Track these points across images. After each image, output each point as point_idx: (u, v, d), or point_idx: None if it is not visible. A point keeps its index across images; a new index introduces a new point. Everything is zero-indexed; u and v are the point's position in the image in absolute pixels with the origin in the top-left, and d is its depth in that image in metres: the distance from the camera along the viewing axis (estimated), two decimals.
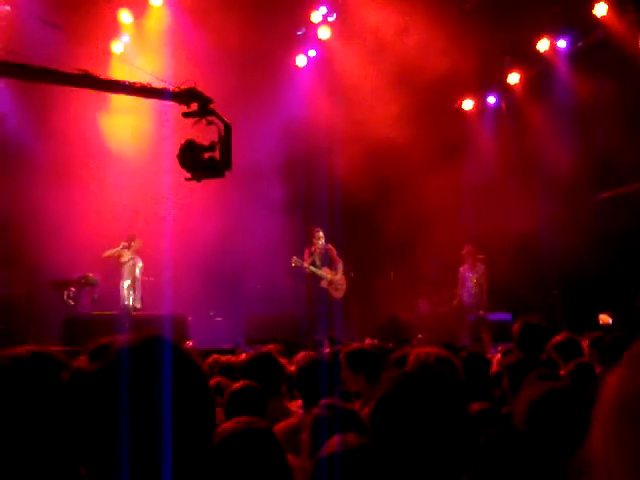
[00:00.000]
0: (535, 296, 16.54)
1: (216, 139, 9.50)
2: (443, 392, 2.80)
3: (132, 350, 1.73)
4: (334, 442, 2.81)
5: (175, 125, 15.99)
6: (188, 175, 9.40)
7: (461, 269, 16.61)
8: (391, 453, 2.68)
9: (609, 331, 14.02)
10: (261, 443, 3.06)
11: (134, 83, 9.22)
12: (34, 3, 15.23)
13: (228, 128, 9.41)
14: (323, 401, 4.04)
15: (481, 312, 16.07)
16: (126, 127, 16.32)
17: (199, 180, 9.40)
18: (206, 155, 9.25)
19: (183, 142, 9.19)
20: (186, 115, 9.30)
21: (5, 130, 15.86)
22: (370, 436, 2.80)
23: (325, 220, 16.05)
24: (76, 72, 8.57)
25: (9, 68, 7.83)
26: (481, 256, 16.85)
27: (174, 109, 15.66)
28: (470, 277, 16.47)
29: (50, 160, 15.52)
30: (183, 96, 9.34)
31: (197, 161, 9.19)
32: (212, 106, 9.73)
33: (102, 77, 9.04)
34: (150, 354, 1.73)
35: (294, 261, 15.83)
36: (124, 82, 9.30)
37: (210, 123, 9.32)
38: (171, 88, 9.33)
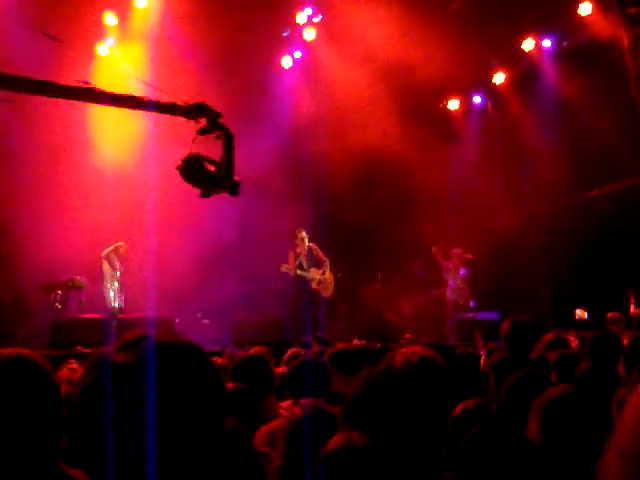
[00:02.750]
0: (522, 294, 16.62)
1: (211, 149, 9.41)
2: (410, 395, 2.82)
3: (164, 347, 1.74)
4: (337, 439, 2.80)
5: (162, 123, 16.11)
6: (181, 183, 9.31)
7: (447, 265, 16.84)
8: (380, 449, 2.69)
9: (584, 326, 14.21)
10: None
11: (142, 98, 9.15)
12: (17, 5, 15.20)
13: (231, 139, 9.32)
14: (303, 401, 4.05)
15: (467, 313, 16.27)
16: (115, 126, 16.27)
17: (208, 195, 9.32)
18: (209, 167, 9.17)
19: (186, 155, 9.07)
20: (202, 132, 9.21)
21: None
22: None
23: (312, 221, 16.05)
24: (79, 85, 8.44)
25: (6, 80, 7.70)
26: (469, 255, 16.94)
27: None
28: (456, 276, 16.70)
29: (37, 161, 15.47)
30: (192, 111, 9.25)
31: (200, 174, 9.11)
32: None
33: (107, 91, 8.92)
34: (180, 356, 1.75)
35: (283, 268, 15.83)
36: (131, 96, 9.22)
37: (219, 137, 9.24)
38: (179, 102, 9.22)
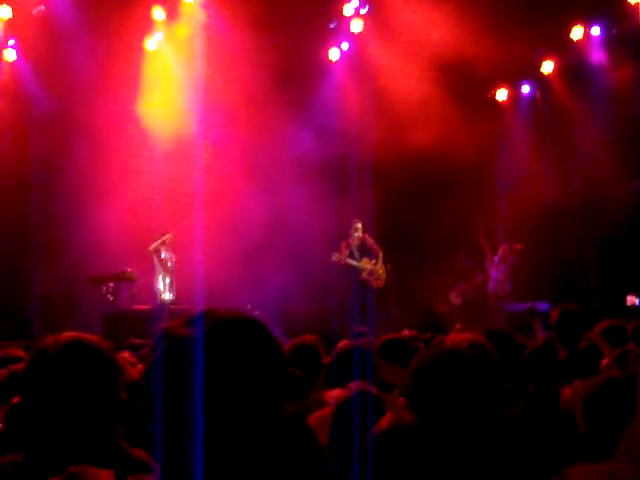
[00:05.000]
0: (572, 283, 16.54)
1: None
2: (466, 375, 2.85)
3: (228, 322, 1.77)
4: (389, 418, 2.84)
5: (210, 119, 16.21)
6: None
7: (491, 256, 16.90)
8: (427, 426, 2.72)
9: (636, 313, 14.06)
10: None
11: None
12: (67, 2, 15.37)
13: None
14: (351, 384, 4.08)
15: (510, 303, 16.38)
16: (161, 119, 16.39)
17: None
18: None
19: None
20: None
21: (40, 125, 15.96)
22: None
23: (364, 213, 16.04)
24: None
25: None
26: (518, 246, 16.92)
27: (208, 107, 15.83)
28: (496, 268, 16.75)
29: (87, 157, 15.63)
30: None
31: None
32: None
33: None
34: (242, 329, 1.77)
35: (334, 256, 15.84)
36: None
37: None
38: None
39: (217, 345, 1.69)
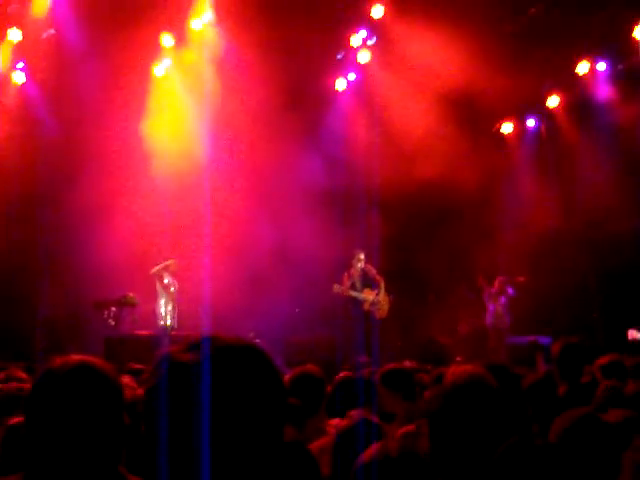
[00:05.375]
0: (574, 317, 16.52)
1: None
2: (491, 403, 2.87)
3: (228, 348, 1.77)
4: (374, 449, 2.84)
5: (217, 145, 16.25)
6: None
7: (490, 291, 16.94)
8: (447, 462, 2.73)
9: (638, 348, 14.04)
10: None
11: None
12: (77, 27, 15.46)
13: None
14: (352, 412, 4.09)
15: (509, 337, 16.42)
16: (168, 144, 16.47)
17: None
18: None
19: None
20: None
21: (46, 148, 15.99)
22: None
23: (368, 244, 16.03)
24: None
25: None
26: (521, 278, 16.97)
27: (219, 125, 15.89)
28: (494, 302, 16.82)
29: (93, 180, 15.67)
30: None
31: None
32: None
33: None
34: (243, 356, 1.77)
35: (335, 288, 15.82)
36: None
37: None
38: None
39: (217, 371, 1.69)
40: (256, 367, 1.77)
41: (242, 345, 1.79)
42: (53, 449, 2.53)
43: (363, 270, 16.07)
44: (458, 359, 15.10)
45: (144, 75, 16.78)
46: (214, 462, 1.65)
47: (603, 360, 7.33)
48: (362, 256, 16.02)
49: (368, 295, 16.04)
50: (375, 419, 4.17)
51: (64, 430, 2.52)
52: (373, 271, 16.14)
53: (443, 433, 2.96)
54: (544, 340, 15.36)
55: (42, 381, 2.63)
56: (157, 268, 15.59)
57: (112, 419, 2.60)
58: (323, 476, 3.45)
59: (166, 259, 15.60)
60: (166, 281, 15.67)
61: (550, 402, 5.53)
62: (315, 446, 4.72)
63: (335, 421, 5.76)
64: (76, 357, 2.67)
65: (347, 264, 16.15)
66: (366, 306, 16.02)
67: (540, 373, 6.85)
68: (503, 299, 17.13)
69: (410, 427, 4.51)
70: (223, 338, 1.79)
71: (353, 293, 15.92)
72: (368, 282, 16.11)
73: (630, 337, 15.83)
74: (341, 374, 7.72)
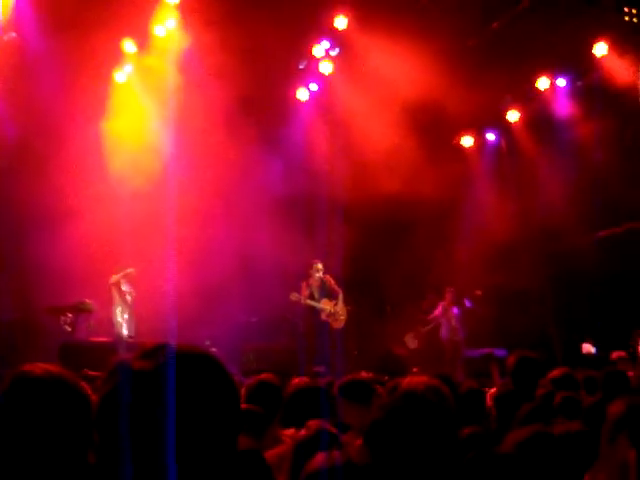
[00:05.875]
0: (530, 331, 16.63)
1: None
2: (429, 417, 2.88)
3: (183, 356, 1.76)
4: (320, 458, 2.85)
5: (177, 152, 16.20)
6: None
7: (442, 304, 17.07)
8: (386, 473, 2.74)
9: (591, 362, 14.19)
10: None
11: None
12: (38, 30, 15.33)
13: None
14: (310, 422, 4.10)
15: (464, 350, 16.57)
16: (127, 150, 16.39)
17: None
18: None
19: None
20: None
21: (2, 150, 15.81)
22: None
23: (327, 253, 16.05)
24: None
25: None
26: (478, 292, 17.10)
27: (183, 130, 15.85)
28: (449, 314, 16.94)
29: (50, 185, 15.52)
30: None
31: None
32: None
33: None
34: (197, 364, 1.77)
35: (293, 296, 15.84)
36: None
37: None
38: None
39: (172, 379, 1.69)
40: (211, 375, 1.77)
41: (197, 353, 1.80)
42: (21, 456, 2.50)
43: (322, 280, 16.10)
44: (414, 370, 15.17)
45: (105, 80, 16.68)
46: (170, 468, 1.65)
47: (555, 373, 7.41)
48: (320, 266, 16.05)
49: (326, 305, 16.07)
50: (333, 429, 4.18)
51: (32, 437, 2.49)
52: (332, 282, 16.17)
53: (384, 443, 2.96)
54: (500, 352, 15.46)
55: (14, 388, 2.60)
56: (116, 277, 15.50)
57: (78, 428, 2.57)
58: None
59: (125, 267, 15.50)
60: (124, 288, 15.58)
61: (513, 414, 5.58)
62: (271, 454, 4.71)
63: (290, 431, 5.75)
64: (44, 366, 2.65)
65: (306, 273, 16.16)
66: (323, 316, 16.04)
67: (503, 386, 6.90)
68: (455, 310, 17.27)
69: None
70: (179, 346, 1.79)
71: (310, 302, 15.93)
72: (326, 292, 16.14)
73: (584, 351, 15.99)
74: (295, 381, 7.71)
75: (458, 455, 2.99)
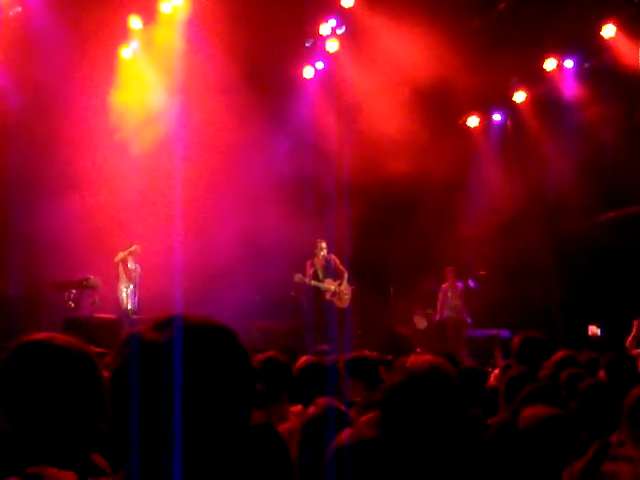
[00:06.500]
0: (534, 312, 16.62)
1: None
2: (447, 389, 2.89)
3: (196, 328, 1.74)
4: (348, 433, 2.84)
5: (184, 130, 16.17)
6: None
7: (443, 287, 17.05)
8: (399, 442, 2.74)
9: (597, 343, 14.16)
10: None
11: None
12: (44, 5, 15.28)
13: None
14: (319, 399, 4.09)
15: (466, 328, 16.56)
16: (134, 126, 16.36)
17: None
18: None
19: None
20: None
21: (10, 124, 15.76)
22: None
23: (332, 233, 16.03)
24: None
25: None
26: (481, 272, 17.09)
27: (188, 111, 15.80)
28: (451, 294, 16.99)
29: (53, 157, 15.51)
30: None
31: None
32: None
33: None
34: (211, 336, 1.75)
35: (297, 278, 15.82)
36: None
37: None
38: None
39: (187, 350, 1.67)
40: (226, 347, 1.75)
41: (212, 325, 1.78)
42: (25, 425, 2.50)
43: (326, 259, 16.09)
44: (418, 350, 15.19)
45: (111, 56, 16.63)
46: (184, 442, 1.64)
47: (558, 355, 7.41)
48: (324, 244, 16.01)
49: (330, 285, 16.06)
50: (342, 407, 4.18)
51: (38, 405, 2.49)
52: (337, 261, 16.16)
53: (399, 420, 2.96)
54: (504, 334, 15.48)
55: (19, 354, 2.59)
56: (122, 255, 15.48)
57: (91, 393, 2.55)
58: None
59: (131, 244, 15.47)
60: (130, 266, 15.56)
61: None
62: (280, 430, 4.71)
63: (297, 408, 5.75)
64: (55, 334, 2.64)
65: (311, 252, 16.14)
66: (327, 296, 16.04)
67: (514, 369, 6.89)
68: (460, 285, 17.26)
69: (370, 415, 4.51)
70: (193, 317, 1.77)
71: (315, 283, 15.93)
72: (331, 272, 16.13)
73: (590, 333, 15.98)
74: (302, 359, 7.71)
75: (467, 431, 3.00)
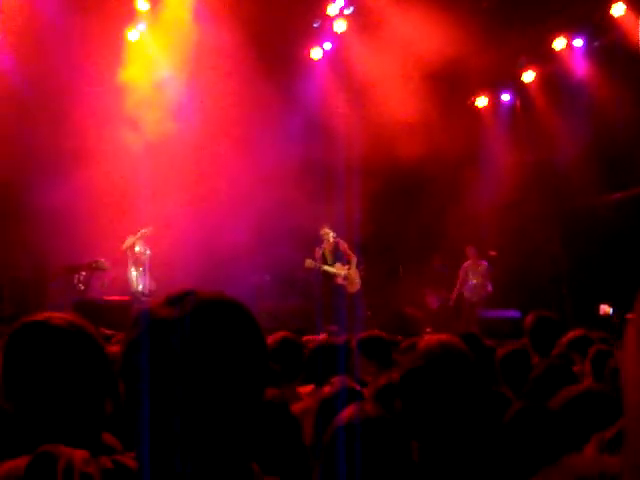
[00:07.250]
0: (544, 292, 16.60)
1: None
2: (465, 369, 2.88)
3: (210, 303, 1.74)
4: (351, 411, 2.83)
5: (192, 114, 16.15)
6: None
7: (464, 265, 16.96)
8: (414, 421, 2.74)
9: (609, 323, 14.11)
10: None
11: None
12: None
13: None
14: (334, 379, 4.09)
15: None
16: (142, 108, 16.33)
17: None
18: None
19: None
20: None
21: (15, 103, 15.70)
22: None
23: (342, 214, 16.02)
24: None
25: None
26: (492, 253, 17.05)
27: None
28: (471, 274, 16.79)
29: (63, 140, 15.50)
30: None
31: None
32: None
33: None
34: (225, 312, 1.74)
35: (307, 263, 15.85)
36: None
37: None
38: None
39: (200, 325, 1.67)
40: (240, 323, 1.75)
41: (225, 300, 1.77)
42: (33, 404, 2.49)
43: (335, 243, 16.10)
44: (427, 330, 15.19)
45: (119, 38, 16.59)
46: (197, 418, 1.64)
47: (571, 335, 7.39)
48: (327, 230, 16.01)
49: (340, 270, 16.08)
50: (357, 386, 4.18)
51: (46, 384, 2.48)
52: (345, 245, 16.17)
53: (418, 398, 2.96)
54: (514, 314, 15.46)
55: (24, 332, 2.58)
56: (132, 239, 15.49)
57: (95, 376, 2.55)
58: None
59: (140, 227, 15.47)
60: (138, 249, 15.58)
61: (524, 372, 5.57)
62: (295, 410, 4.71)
63: (308, 388, 5.75)
64: (60, 314, 2.63)
65: (319, 237, 16.13)
66: (339, 280, 16.06)
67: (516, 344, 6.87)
68: (485, 263, 17.14)
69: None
70: (205, 293, 1.77)
71: (326, 268, 15.96)
72: (339, 256, 16.13)
73: (602, 312, 15.93)
74: (305, 338, 7.68)
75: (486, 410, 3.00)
